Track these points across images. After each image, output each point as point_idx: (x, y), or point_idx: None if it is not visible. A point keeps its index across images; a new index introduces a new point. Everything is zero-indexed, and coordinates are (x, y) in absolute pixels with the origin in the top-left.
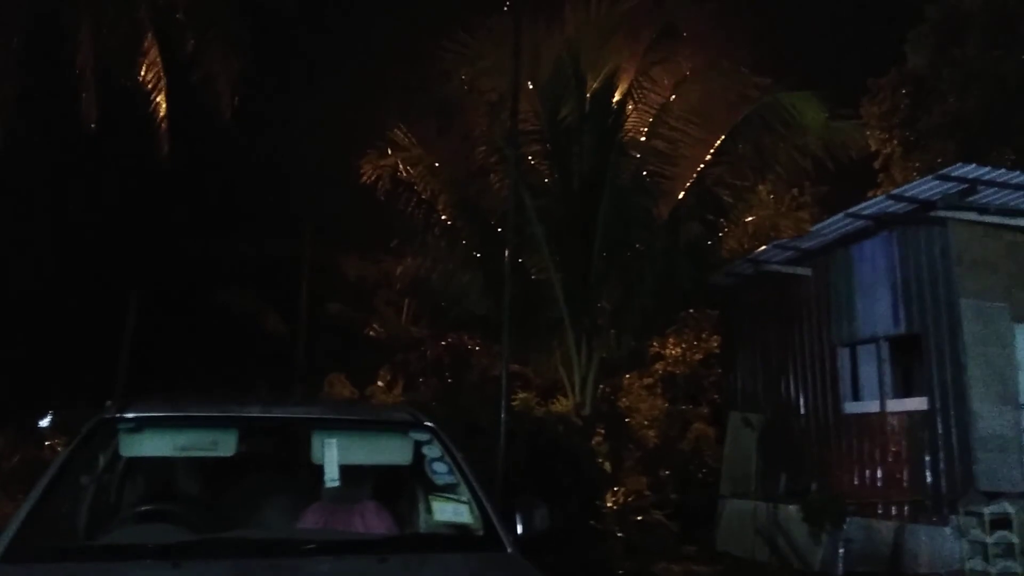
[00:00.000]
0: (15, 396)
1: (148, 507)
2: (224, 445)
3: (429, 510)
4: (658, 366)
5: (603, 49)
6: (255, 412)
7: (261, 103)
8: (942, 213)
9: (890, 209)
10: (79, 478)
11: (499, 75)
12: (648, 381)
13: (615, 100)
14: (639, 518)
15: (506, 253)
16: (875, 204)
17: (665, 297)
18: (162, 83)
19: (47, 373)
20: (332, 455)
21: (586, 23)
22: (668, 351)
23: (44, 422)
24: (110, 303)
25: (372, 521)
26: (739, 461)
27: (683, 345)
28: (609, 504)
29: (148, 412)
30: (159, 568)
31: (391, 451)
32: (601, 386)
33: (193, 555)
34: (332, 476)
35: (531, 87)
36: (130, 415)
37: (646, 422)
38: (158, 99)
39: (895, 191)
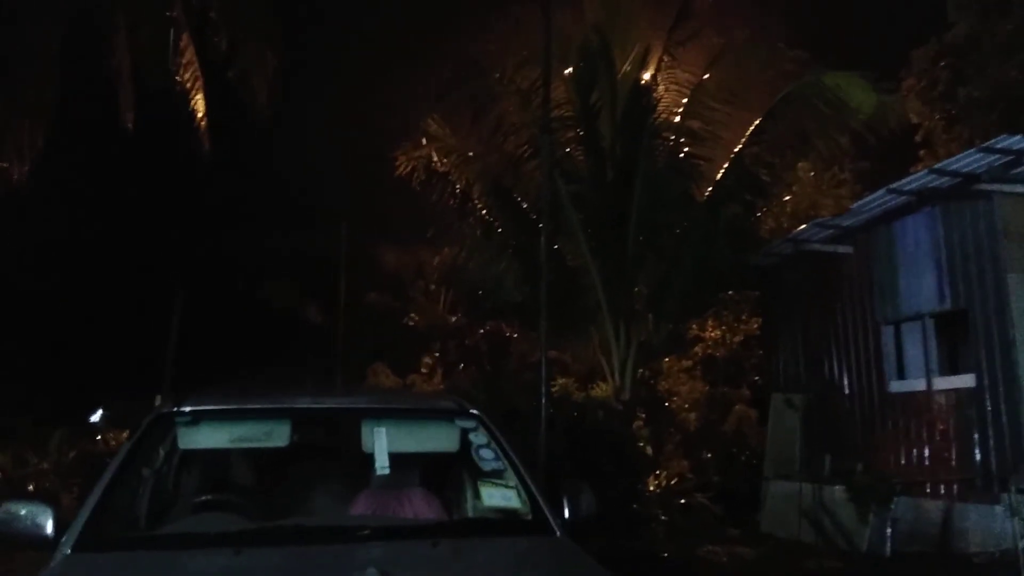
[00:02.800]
0: (68, 394)
1: (206, 497)
2: (278, 436)
3: (477, 496)
4: (697, 349)
5: (631, 30)
6: (307, 403)
7: (296, 98)
8: (986, 186)
9: (933, 184)
10: (140, 471)
11: (535, 66)
12: (687, 364)
13: (646, 82)
14: (682, 501)
15: (542, 240)
16: (917, 179)
17: (703, 279)
18: (199, 82)
19: (96, 370)
20: (381, 443)
21: (612, 4)
22: (707, 334)
23: (95, 417)
24: (154, 299)
25: (421, 507)
26: (782, 442)
27: (723, 327)
28: (651, 487)
29: (204, 405)
30: (221, 555)
31: (438, 439)
32: (640, 370)
33: (253, 542)
34: (382, 464)
35: (566, 73)
36: (187, 409)
37: (686, 405)
38: (196, 97)
39: (938, 165)
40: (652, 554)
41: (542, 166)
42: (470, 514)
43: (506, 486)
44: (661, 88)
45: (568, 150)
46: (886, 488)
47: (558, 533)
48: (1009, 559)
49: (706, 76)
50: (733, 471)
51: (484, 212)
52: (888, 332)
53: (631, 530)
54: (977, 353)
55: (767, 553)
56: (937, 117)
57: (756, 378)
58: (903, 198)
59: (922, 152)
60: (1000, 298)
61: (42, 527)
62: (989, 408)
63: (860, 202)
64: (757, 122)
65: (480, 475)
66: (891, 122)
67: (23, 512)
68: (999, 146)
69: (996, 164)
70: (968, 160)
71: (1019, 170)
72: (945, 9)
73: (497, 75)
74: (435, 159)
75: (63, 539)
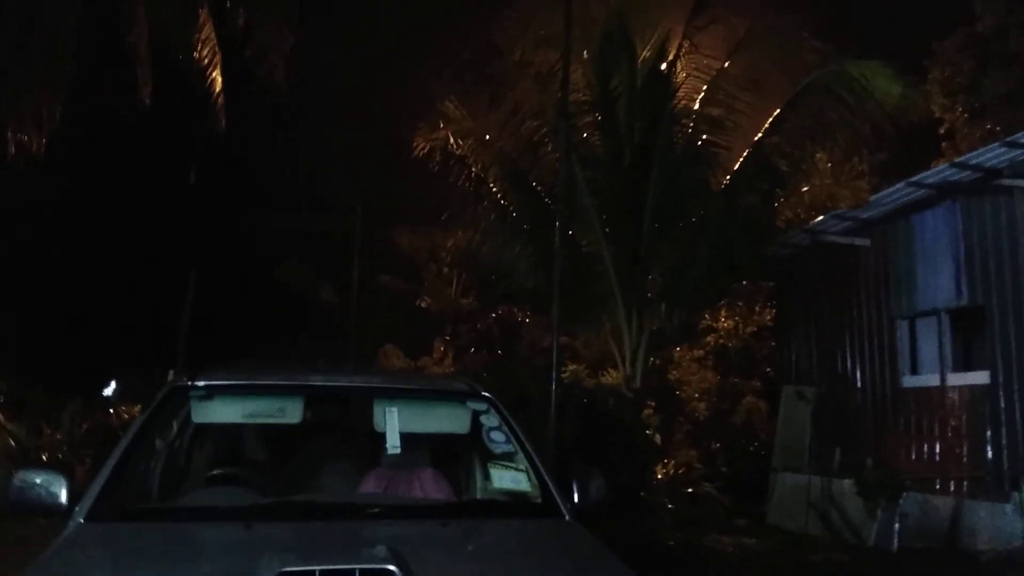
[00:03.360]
0: (82, 367)
1: (218, 471)
2: (291, 412)
3: (486, 477)
4: (709, 339)
5: (652, 15)
6: (320, 381)
7: (313, 78)
8: (1008, 181)
9: (953, 178)
10: (153, 443)
11: (553, 46)
12: (699, 354)
13: (666, 68)
14: (689, 490)
15: (557, 226)
16: (938, 173)
17: (718, 269)
18: (217, 58)
19: (110, 344)
20: (393, 423)
21: None
22: (720, 324)
23: (108, 391)
24: (169, 277)
25: (430, 487)
26: (792, 435)
27: (736, 318)
28: (659, 476)
29: (218, 380)
30: (232, 529)
31: (449, 420)
32: (651, 359)
33: (264, 517)
34: (393, 443)
35: (585, 56)
36: (201, 383)
37: (697, 395)
38: (214, 74)
39: (959, 159)
40: (658, 542)
41: (559, 151)
42: (480, 496)
43: (516, 469)
44: (681, 74)
45: (585, 135)
46: (895, 483)
47: (567, 517)
48: (1018, 557)
49: (727, 63)
50: (741, 462)
51: (499, 196)
52: (903, 327)
53: (638, 517)
54: (992, 350)
55: (773, 545)
56: (960, 110)
57: (767, 370)
58: (923, 192)
59: (944, 145)
60: (1018, 295)
61: (56, 496)
62: (1003, 405)
63: (879, 195)
64: (778, 111)
65: (490, 457)
66: (913, 114)
67: (38, 480)
68: (1023, 140)
69: (1019, 159)
70: (990, 154)
71: None
72: (971, 0)
73: (516, 58)
74: (452, 142)
75: (76, 508)
